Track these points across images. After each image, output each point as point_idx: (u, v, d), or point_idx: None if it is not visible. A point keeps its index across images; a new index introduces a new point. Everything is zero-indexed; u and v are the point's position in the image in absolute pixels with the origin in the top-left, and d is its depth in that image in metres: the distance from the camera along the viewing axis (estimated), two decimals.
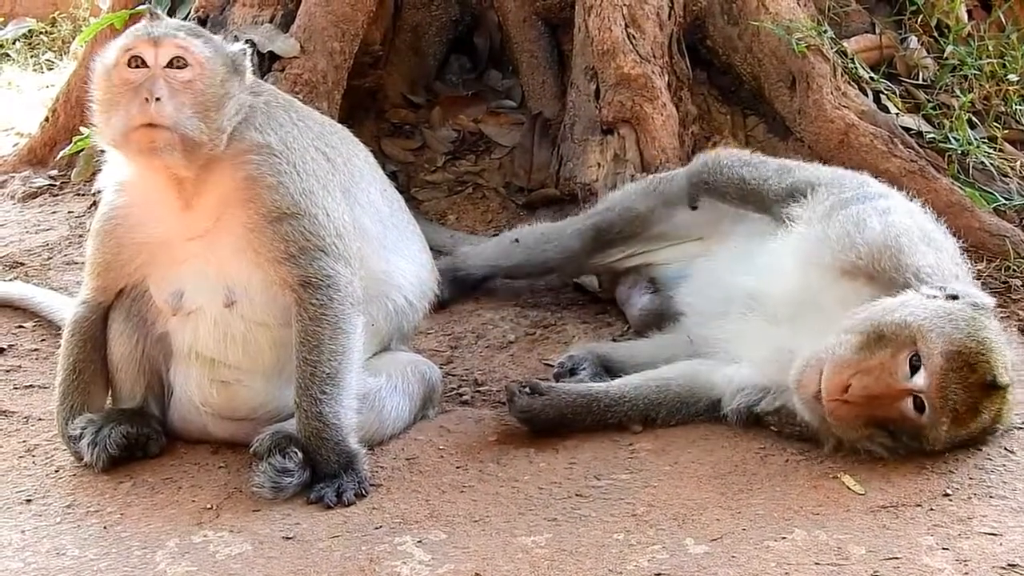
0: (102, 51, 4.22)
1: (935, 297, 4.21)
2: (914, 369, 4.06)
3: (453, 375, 5.15)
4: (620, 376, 4.79)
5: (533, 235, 5.81)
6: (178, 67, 4.09)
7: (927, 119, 6.76)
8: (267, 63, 6.44)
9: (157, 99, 4.00)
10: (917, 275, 4.32)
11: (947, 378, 4.03)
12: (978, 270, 5.83)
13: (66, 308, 4.85)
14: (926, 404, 4.06)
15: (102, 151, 4.45)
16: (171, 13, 7.14)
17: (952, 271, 4.48)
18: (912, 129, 6.62)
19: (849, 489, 4.09)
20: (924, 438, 4.14)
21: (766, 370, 4.49)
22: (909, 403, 4.08)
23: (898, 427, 4.14)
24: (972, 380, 4.05)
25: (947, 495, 4.06)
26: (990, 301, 4.32)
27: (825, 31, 6.74)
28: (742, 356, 4.60)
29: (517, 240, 5.81)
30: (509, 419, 4.59)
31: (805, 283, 4.49)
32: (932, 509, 3.98)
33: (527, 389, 4.52)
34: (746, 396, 4.51)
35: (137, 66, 4.07)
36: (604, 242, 5.57)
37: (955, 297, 4.23)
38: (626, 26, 6.53)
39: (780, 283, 4.58)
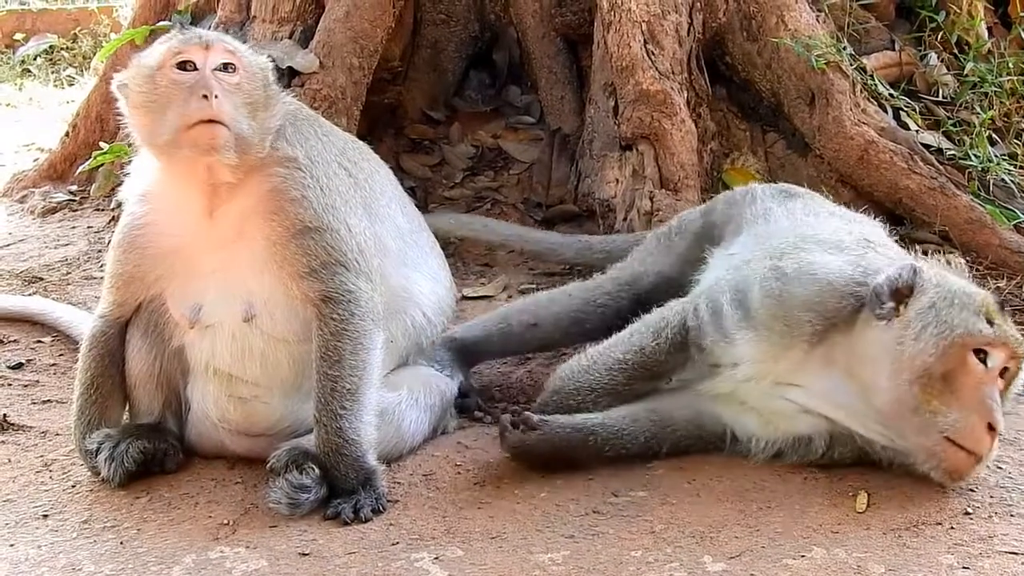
0: (140, 55, 4.21)
1: (896, 308, 4.15)
2: (983, 359, 4.07)
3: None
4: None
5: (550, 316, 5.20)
6: (227, 71, 4.11)
7: (947, 136, 6.75)
8: (287, 79, 6.47)
9: (215, 96, 4.01)
10: (856, 287, 4.25)
11: (1003, 330, 4.10)
12: (998, 287, 5.81)
13: (84, 323, 4.85)
14: (1011, 367, 4.12)
15: (125, 164, 4.46)
16: None
17: (855, 247, 4.47)
18: (932, 146, 6.62)
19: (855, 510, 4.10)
20: (1007, 393, 4.19)
21: (782, 425, 4.41)
22: (1000, 380, 4.10)
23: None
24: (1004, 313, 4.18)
25: (968, 513, 4.04)
26: (912, 259, 4.35)
27: (844, 48, 6.75)
28: (751, 405, 4.44)
29: (535, 324, 5.19)
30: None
31: (790, 362, 4.36)
32: (952, 528, 3.96)
33: (519, 424, 4.30)
34: (772, 449, 4.42)
35: (186, 69, 4.08)
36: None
37: (901, 291, 4.16)
38: (645, 42, 6.54)
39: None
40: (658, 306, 4.68)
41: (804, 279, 4.29)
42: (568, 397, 4.54)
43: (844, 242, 4.50)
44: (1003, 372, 4.11)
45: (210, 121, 4.00)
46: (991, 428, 4.02)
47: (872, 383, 4.18)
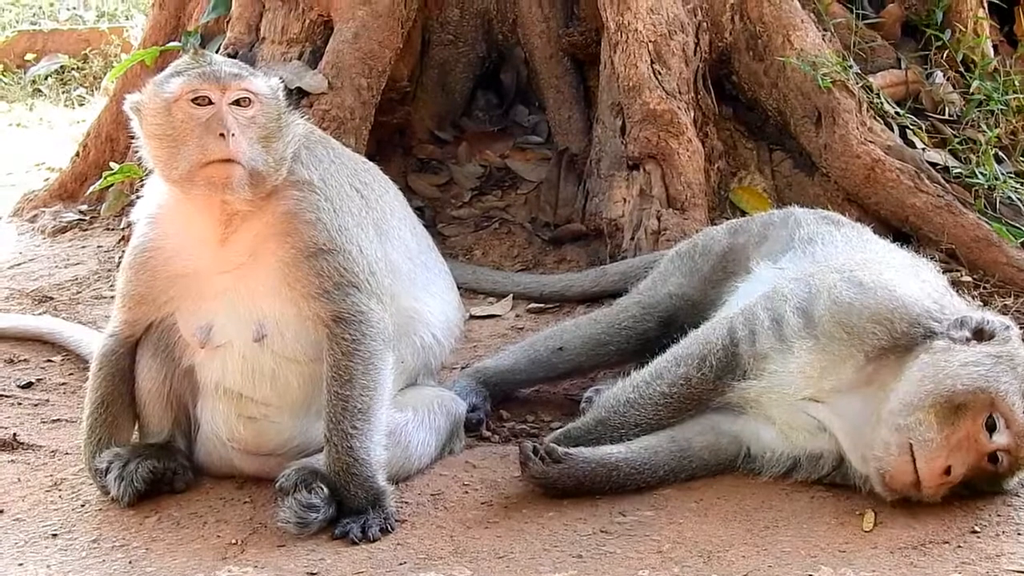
0: (156, 80, 4.21)
1: (969, 340, 4.18)
2: (990, 428, 4.06)
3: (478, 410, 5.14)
4: None
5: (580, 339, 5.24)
6: (242, 105, 4.12)
7: (953, 154, 6.75)
8: (295, 99, 6.49)
9: (232, 135, 4.02)
10: (930, 319, 4.27)
11: None
12: (1005, 305, 5.80)
13: (94, 343, 4.86)
14: (1003, 457, 4.09)
15: (141, 184, 4.48)
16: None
17: (935, 285, 4.50)
18: (938, 164, 6.62)
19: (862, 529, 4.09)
20: (1000, 484, 4.18)
21: (798, 440, 4.42)
22: (986, 458, 4.09)
23: (976, 480, 4.13)
24: None
25: (975, 532, 4.03)
26: (1007, 320, 4.32)
27: (850, 66, 6.75)
28: (772, 416, 4.46)
29: (561, 348, 5.23)
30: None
31: (836, 379, 4.35)
32: (960, 546, 3.95)
33: (543, 455, 4.28)
34: (784, 465, 4.42)
35: (201, 104, 4.09)
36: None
37: (985, 332, 4.19)
38: (652, 62, 6.55)
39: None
40: (690, 327, 4.69)
41: (880, 292, 4.31)
42: (613, 430, 4.51)
43: (922, 275, 4.55)
44: (994, 456, 4.09)
45: (226, 160, 4.03)
46: (947, 472, 4.03)
47: (901, 393, 4.15)
